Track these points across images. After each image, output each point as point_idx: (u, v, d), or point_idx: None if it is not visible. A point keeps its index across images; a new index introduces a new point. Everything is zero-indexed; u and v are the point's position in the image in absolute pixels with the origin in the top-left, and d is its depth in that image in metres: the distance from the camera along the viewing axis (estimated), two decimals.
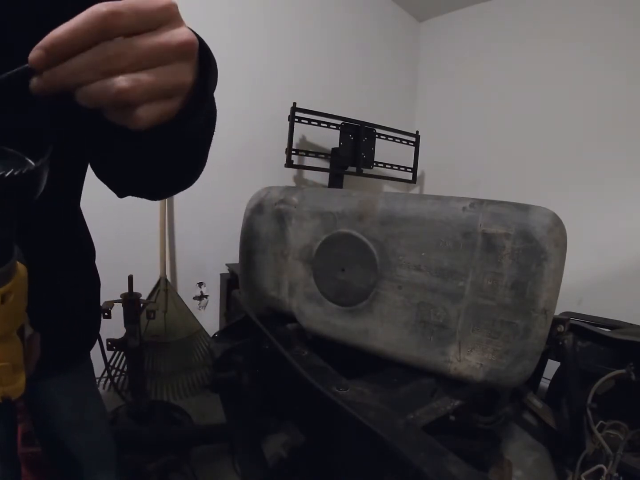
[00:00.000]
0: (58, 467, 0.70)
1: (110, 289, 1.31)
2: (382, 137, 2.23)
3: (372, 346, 0.81)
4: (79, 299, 0.59)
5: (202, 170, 0.47)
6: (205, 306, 1.96)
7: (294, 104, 1.90)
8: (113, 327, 1.34)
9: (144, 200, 0.52)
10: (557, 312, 0.78)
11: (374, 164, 2.20)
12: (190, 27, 0.28)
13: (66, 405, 0.64)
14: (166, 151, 0.36)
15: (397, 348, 0.78)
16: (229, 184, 1.88)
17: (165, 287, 1.71)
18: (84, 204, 0.58)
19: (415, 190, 2.74)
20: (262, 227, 1.00)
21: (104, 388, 1.39)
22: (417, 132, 2.43)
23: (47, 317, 0.53)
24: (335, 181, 2.14)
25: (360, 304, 0.82)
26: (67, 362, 0.62)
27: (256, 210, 1.02)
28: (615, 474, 0.88)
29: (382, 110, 2.55)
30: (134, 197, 0.51)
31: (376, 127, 2.17)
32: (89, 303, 0.63)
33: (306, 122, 1.94)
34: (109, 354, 1.42)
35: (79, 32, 0.23)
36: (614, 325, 1.24)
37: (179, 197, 1.76)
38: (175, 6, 0.26)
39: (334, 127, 2.03)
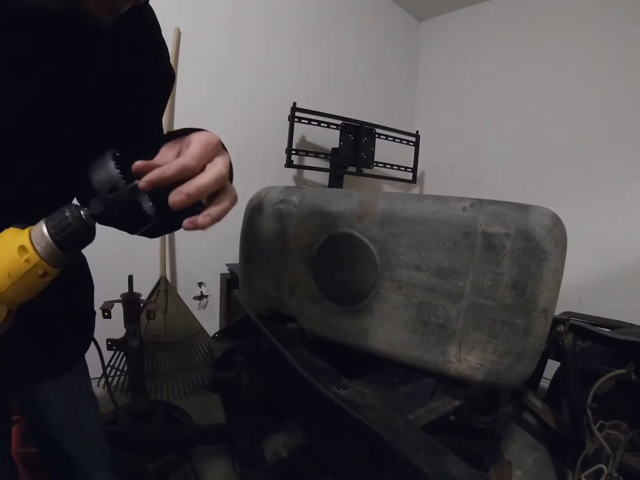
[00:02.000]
0: (52, 467, 0.70)
1: (110, 289, 1.31)
2: (382, 137, 2.23)
3: (372, 346, 0.81)
4: (71, 305, 0.60)
5: None
6: (205, 306, 1.96)
7: (294, 104, 1.90)
8: (113, 327, 1.34)
9: None
10: (557, 312, 0.78)
11: (374, 164, 2.20)
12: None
13: (59, 405, 0.64)
14: None
15: (397, 348, 0.78)
16: None
17: (165, 287, 1.71)
18: None
19: (415, 190, 2.74)
20: (262, 227, 1.00)
21: (103, 388, 1.39)
22: (417, 132, 2.43)
23: (41, 321, 0.54)
24: (335, 181, 2.14)
25: (360, 304, 0.82)
26: (61, 364, 0.63)
27: (256, 210, 1.02)
28: (615, 474, 0.88)
29: (382, 110, 2.55)
30: None
31: (376, 127, 2.17)
32: (82, 308, 0.64)
33: (306, 122, 1.94)
34: (109, 354, 1.42)
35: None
36: (614, 325, 1.24)
37: None
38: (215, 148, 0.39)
39: (334, 127, 2.03)
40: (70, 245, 0.37)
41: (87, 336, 0.68)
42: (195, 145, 0.38)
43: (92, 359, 0.99)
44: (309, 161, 2.14)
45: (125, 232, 0.46)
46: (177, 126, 1.71)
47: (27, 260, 0.35)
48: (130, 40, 0.47)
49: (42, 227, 0.36)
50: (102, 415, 0.76)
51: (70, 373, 0.65)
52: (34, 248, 0.36)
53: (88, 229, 0.38)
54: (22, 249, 0.35)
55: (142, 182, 0.36)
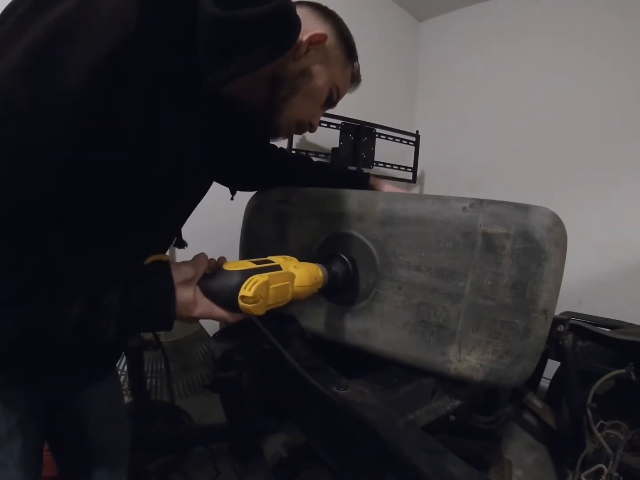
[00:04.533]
0: (75, 462, 0.73)
1: None
2: (382, 136, 2.23)
3: (372, 346, 0.81)
4: None
5: None
6: None
7: None
8: None
9: None
10: (557, 312, 0.78)
11: (374, 163, 2.20)
12: None
13: (99, 401, 0.69)
14: None
15: (397, 348, 0.78)
16: None
17: None
18: None
19: (415, 190, 2.74)
20: (262, 227, 1.00)
21: None
22: (417, 132, 2.43)
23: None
24: None
25: (360, 304, 0.82)
26: (111, 366, 0.73)
27: (256, 210, 1.02)
28: (615, 474, 0.88)
29: (382, 110, 2.54)
30: None
31: (376, 127, 2.17)
32: None
33: None
34: None
35: None
36: (614, 325, 1.24)
37: None
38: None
39: (334, 126, 2.03)
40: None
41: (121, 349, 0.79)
42: None
43: None
44: None
45: None
46: None
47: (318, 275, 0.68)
48: None
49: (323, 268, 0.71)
50: None
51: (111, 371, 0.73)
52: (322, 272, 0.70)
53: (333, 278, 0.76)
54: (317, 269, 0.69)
55: None
